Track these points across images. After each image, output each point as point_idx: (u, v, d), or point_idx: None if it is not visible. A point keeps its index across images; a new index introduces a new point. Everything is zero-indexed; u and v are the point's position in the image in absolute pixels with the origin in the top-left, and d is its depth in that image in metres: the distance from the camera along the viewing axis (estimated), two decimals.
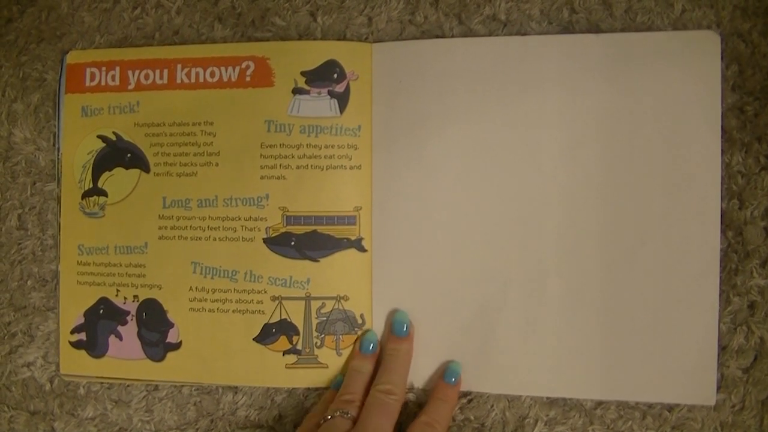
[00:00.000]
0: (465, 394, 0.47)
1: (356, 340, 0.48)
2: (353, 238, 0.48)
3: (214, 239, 0.49)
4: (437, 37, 0.49)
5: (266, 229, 0.48)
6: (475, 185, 0.47)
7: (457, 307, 0.47)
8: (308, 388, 0.49)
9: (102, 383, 0.51)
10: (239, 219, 0.48)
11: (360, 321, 0.48)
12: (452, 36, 0.49)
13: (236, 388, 0.50)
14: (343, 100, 0.48)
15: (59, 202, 0.52)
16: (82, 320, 0.51)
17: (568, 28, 0.47)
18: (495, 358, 0.47)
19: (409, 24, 0.49)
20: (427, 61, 0.48)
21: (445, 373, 0.46)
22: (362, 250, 0.48)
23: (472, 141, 0.47)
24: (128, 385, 0.51)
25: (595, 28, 0.47)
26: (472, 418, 0.47)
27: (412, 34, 0.49)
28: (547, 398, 0.47)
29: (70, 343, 0.51)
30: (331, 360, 0.48)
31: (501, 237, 0.47)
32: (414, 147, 0.48)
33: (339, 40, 0.49)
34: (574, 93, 0.46)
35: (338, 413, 0.42)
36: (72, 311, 0.51)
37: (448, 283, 0.47)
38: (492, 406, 0.47)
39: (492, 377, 0.47)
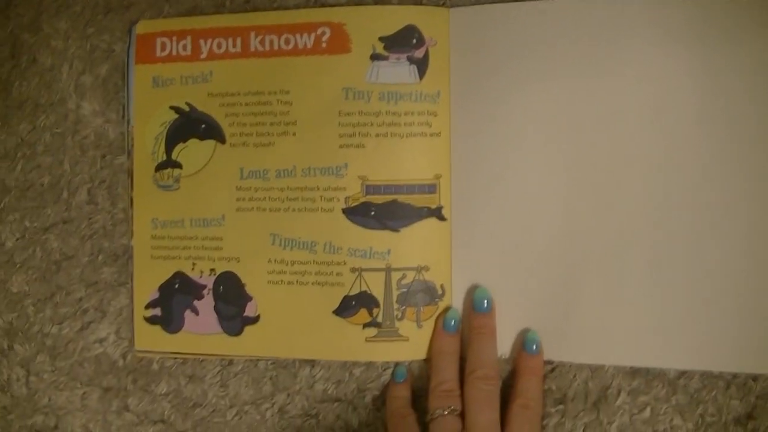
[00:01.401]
0: (548, 363, 0.46)
1: (438, 317, 0.47)
2: (433, 206, 0.47)
3: (293, 210, 0.48)
4: (517, 0, 0.47)
5: (345, 198, 0.47)
6: (557, 151, 0.46)
7: (539, 275, 0.46)
8: (386, 361, 0.48)
9: (175, 359, 0.51)
10: (318, 189, 0.47)
11: (440, 291, 0.47)
12: None
13: (313, 361, 0.49)
14: (422, 66, 0.47)
15: (130, 176, 0.51)
16: (156, 295, 0.50)
17: None
18: (577, 327, 0.46)
19: None
20: (507, 25, 0.47)
21: (524, 343, 0.46)
22: (442, 219, 0.47)
23: (554, 106, 0.46)
24: (202, 360, 0.51)
25: None
26: (554, 388, 0.46)
27: None
28: (630, 367, 0.46)
29: (145, 318, 0.50)
30: (411, 332, 0.47)
31: (583, 203, 0.46)
32: (493, 113, 0.47)
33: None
34: (664, 55, 0.45)
35: (446, 411, 0.43)
36: (146, 286, 0.50)
37: (528, 251, 0.46)
38: (574, 375, 0.46)
39: (574, 346, 0.46)
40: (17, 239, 0.53)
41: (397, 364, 0.48)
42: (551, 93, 0.46)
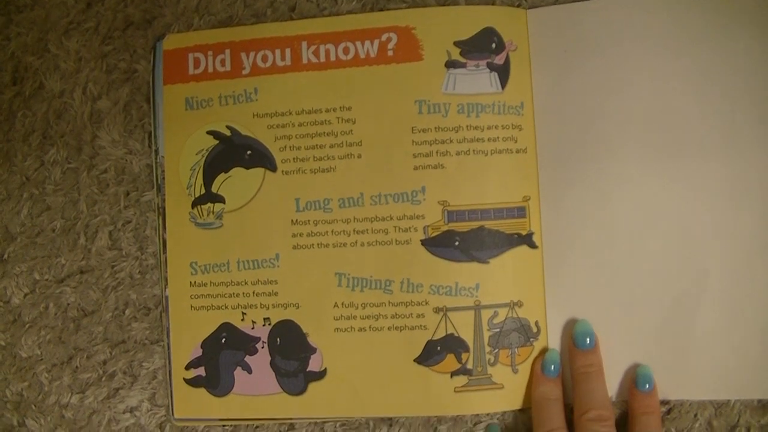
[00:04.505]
0: (663, 403, 0.41)
1: (535, 360, 0.41)
2: (524, 233, 0.41)
3: (362, 244, 0.41)
4: None
5: (424, 228, 0.41)
6: (663, 160, 0.41)
7: (646, 303, 0.41)
8: (477, 414, 0.42)
9: (224, 426, 0.43)
10: (391, 219, 0.41)
11: (535, 330, 0.41)
12: None
13: (391, 420, 0.42)
14: (503, 73, 0.41)
15: (162, 214, 0.44)
16: (199, 352, 0.43)
17: None
18: (695, 360, 0.41)
19: None
20: (592, 25, 0.42)
21: (636, 380, 0.40)
22: (533, 246, 0.41)
23: (653, 113, 0.41)
24: (257, 427, 0.43)
25: None
26: (673, 430, 0.41)
27: None
28: (759, 401, 0.40)
29: (186, 380, 0.43)
30: (506, 379, 0.41)
31: (694, 217, 0.41)
32: (584, 125, 0.42)
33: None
34: None
35: None
36: (186, 342, 0.43)
37: (632, 277, 0.41)
38: (696, 415, 0.41)
39: (693, 382, 0.41)
40: (26, 295, 0.45)
41: (489, 424, 0.41)
42: (649, 98, 0.41)
